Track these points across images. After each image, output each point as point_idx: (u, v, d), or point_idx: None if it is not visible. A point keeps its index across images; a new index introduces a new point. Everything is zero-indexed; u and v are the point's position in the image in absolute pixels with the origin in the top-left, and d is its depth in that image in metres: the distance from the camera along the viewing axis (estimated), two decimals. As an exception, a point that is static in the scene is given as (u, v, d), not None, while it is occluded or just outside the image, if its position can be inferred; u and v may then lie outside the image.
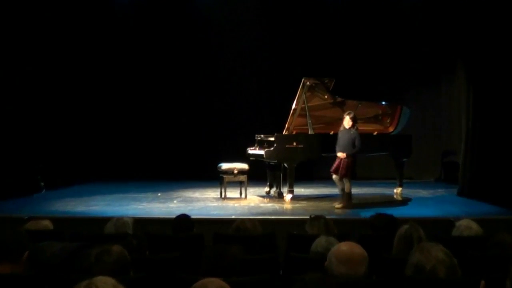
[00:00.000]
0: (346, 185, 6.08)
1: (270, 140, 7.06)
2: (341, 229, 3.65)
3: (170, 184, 8.85)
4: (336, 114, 7.35)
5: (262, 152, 6.99)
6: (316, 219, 3.47)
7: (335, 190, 8.18)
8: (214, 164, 7.27)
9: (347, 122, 6.12)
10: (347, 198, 6.10)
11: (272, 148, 6.84)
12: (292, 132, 7.20)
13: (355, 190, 8.23)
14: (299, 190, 7.78)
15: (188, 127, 9.97)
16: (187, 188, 8.36)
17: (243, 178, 7.03)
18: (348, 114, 6.21)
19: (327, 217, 3.60)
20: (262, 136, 7.41)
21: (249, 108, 9.79)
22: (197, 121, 9.97)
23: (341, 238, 2.69)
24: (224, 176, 7.04)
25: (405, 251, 2.61)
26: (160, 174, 9.61)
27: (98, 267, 2.15)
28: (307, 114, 6.97)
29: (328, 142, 6.95)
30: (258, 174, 7.39)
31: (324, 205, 6.60)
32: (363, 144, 6.99)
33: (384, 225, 3.37)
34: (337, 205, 6.15)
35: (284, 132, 7.16)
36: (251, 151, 7.32)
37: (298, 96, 7.05)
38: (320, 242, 2.74)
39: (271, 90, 9.73)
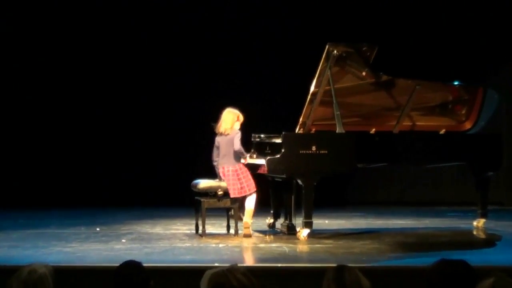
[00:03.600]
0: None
1: (274, 143, 7.07)
2: (386, 283, 3.63)
3: (116, 213, 8.84)
4: (379, 101, 7.38)
5: (262, 161, 6.99)
6: (341, 271, 3.33)
7: (378, 223, 8.24)
8: (187, 181, 7.30)
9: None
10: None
11: (278, 156, 6.83)
12: (310, 129, 7.26)
13: (411, 222, 8.25)
14: (321, 222, 7.77)
15: (145, 125, 10.11)
16: (142, 219, 8.38)
17: (232, 202, 7.02)
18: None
19: (366, 265, 3.55)
20: (262, 136, 7.42)
21: (240, 94, 9.81)
22: (159, 114, 10.12)
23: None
24: (202, 200, 7.03)
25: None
26: (99, 198, 9.68)
27: None
28: (334, 101, 6.97)
29: (368, 146, 6.99)
30: (257, 196, 7.30)
31: (360, 246, 6.59)
32: (424, 148, 7.00)
33: (452, 278, 3.34)
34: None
35: (297, 130, 7.21)
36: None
37: (319, 74, 7.04)
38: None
39: (274, 65, 9.81)
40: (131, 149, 10.14)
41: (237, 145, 6.96)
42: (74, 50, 10.13)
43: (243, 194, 6.95)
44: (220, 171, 7.01)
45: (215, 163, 7.11)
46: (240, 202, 6.98)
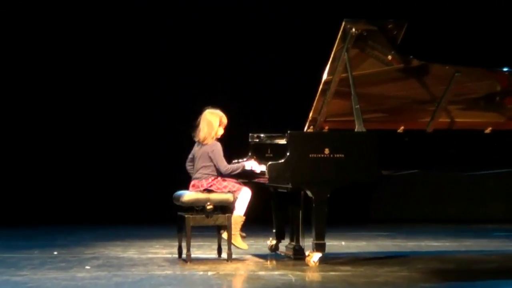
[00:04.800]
0: None
1: (278, 145, 7.07)
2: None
3: (78, 232, 8.85)
4: (409, 92, 7.37)
5: (261, 168, 6.98)
6: None
7: (408, 245, 8.22)
8: (168, 192, 7.33)
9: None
10: None
11: (282, 160, 6.80)
12: (322, 127, 7.28)
13: (449, 244, 8.19)
14: (336, 244, 7.80)
15: (114, 126, 10.35)
16: (111, 240, 8.46)
17: (223, 219, 7.03)
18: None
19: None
20: (262, 136, 7.44)
21: (235, 85, 10.00)
22: (130, 115, 10.39)
23: None
24: (186, 216, 7.01)
25: None
26: (57, 214, 9.77)
27: None
28: (353, 92, 6.97)
29: (395, 148, 7.00)
30: (254, 211, 7.31)
31: (385, 273, 6.56)
32: (465, 151, 6.95)
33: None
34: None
35: (305, 128, 7.24)
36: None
37: (333, 57, 7.03)
38: None
39: (275, 47, 9.92)
40: (97, 155, 10.34)
41: (223, 166, 7.00)
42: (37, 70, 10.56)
43: (236, 194, 7.00)
44: (199, 185, 7.05)
45: (189, 168, 7.25)
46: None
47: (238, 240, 7.03)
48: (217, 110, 7.14)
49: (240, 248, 7.08)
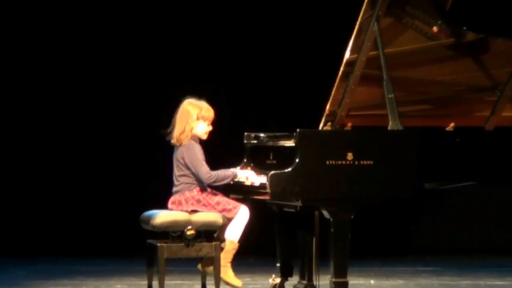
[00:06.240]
0: None
1: (283, 148, 7.09)
2: None
3: (10, 268, 9.07)
4: (461, 77, 7.39)
5: (261, 179, 6.96)
6: None
7: (461, 284, 8.15)
8: (134, 213, 7.46)
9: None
10: None
11: (289, 169, 6.73)
12: (344, 124, 7.36)
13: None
14: (364, 284, 7.87)
15: (61, 131, 10.77)
16: (56, 278, 8.56)
17: (209, 250, 6.99)
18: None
19: None
20: (261, 136, 7.47)
21: (228, 74, 10.21)
22: (86, 115, 10.80)
23: None
24: (159, 245, 6.97)
25: None
26: None
27: None
28: (385, 76, 6.95)
29: (442, 152, 6.96)
30: (251, 239, 7.39)
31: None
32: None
33: None
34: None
35: (321, 125, 7.33)
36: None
37: (358, 29, 7.03)
38: None
39: (278, 21, 10.17)
40: (34, 165, 10.64)
41: (204, 171, 6.93)
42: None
43: (232, 214, 6.96)
44: (182, 200, 7.02)
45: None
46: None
47: (229, 274, 6.95)
48: (200, 100, 7.07)
49: (233, 286, 7.00)
